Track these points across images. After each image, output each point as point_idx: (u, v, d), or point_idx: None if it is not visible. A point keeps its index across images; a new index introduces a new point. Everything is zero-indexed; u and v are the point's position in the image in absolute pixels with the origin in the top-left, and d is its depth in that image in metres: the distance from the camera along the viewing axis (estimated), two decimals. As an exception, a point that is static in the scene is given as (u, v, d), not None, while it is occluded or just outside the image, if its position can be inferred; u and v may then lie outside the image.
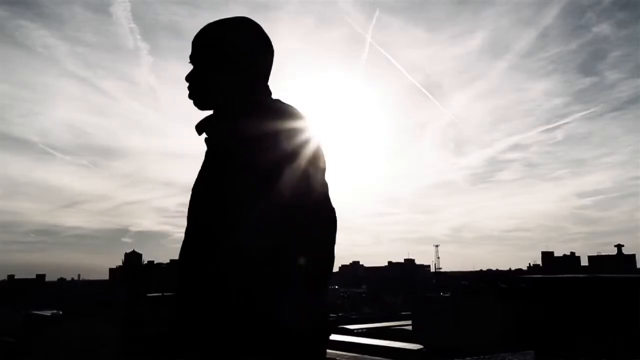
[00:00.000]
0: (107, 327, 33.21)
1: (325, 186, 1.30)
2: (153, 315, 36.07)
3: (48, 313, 43.64)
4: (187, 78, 1.43)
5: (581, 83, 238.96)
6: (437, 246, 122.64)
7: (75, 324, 35.45)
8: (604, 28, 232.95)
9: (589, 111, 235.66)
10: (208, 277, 1.25)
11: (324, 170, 1.32)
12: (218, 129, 1.39)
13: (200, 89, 1.42)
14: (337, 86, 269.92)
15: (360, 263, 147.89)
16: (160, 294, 45.41)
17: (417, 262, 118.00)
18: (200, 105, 1.43)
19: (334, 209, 1.30)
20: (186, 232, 1.39)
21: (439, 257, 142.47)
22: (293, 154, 1.26)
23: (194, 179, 1.42)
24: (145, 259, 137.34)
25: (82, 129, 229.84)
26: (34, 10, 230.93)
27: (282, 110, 1.33)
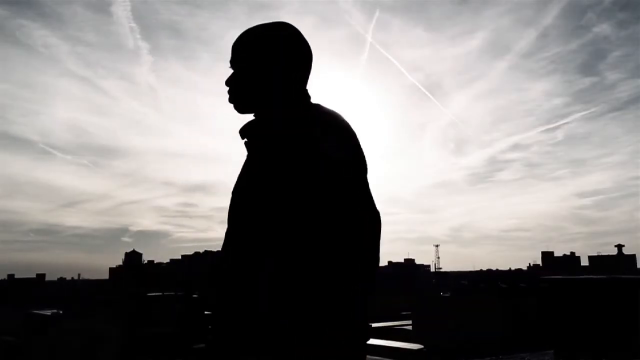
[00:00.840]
0: (107, 327, 33.20)
1: (368, 190, 1.30)
2: (154, 315, 36.07)
3: (48, 312, 43.62)
4: (227, 82, 1.44)
5: (581, 83, 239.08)
6: (437, 246, 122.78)
7: (75, 324, 35.45)
8: (604, 28, 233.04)
9: (589, 111, 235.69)
10: (251, 280, 1.25)
11: (366, 173, 1.32)
12: (259, 133, 1.40)
13: (240, 93, 1.43)
14: (337, 86, 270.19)
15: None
16: (160, 294, 45.43)
17: (417, 262, 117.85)
18: (240, 109, 1.45)
19: (378, 212, 1.30)
20: (226, 235, 1.40)
21: (439, 257, 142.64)
22: (336, 159, 1.26)
23: (234, 183, 1.44)
24: (145, 259, 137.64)
25: (82, 128, 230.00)
26: (35, 10, 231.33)
27: (324, 114, 1.33)
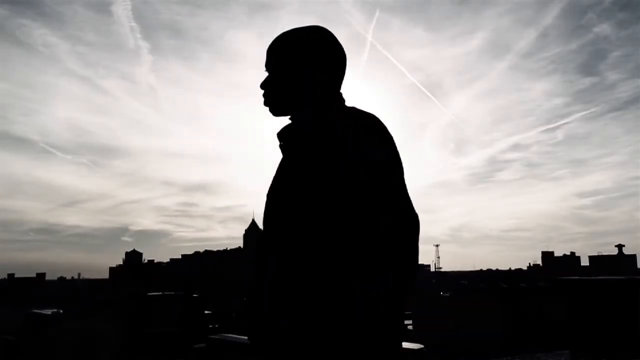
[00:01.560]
0: (107, 327, 33.21)
1: (406, 192, 1.30)
2: (154, 315, 36.07)
3: (48, 312, 43.58)
4: (262, 85, 1.45)
5: (581, 83, 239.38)
6: (437, 246, 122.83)
7: (75, 323, 35.45)
8: (604, 28, 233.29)
9: (589, 111, 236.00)
10: (287, 281, 1.27)
11: (403, 175, 1.32)
12: (294, 137, 1.41)
13: (276, 96, 1.43)
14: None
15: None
16: (161, 293, 45.38)
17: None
18: (275, 112, 1.46)
19: (416, 214, 1.30)
20: (261, 238, 1.42)
21: (439, 257, 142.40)
22: (374, 160, 1.26)
23: (269, 185, 1.45)
24: (146, 258, 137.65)
25: (82, 128, 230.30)
26: (35, 9, 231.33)
27: (361, 117, 1.33)
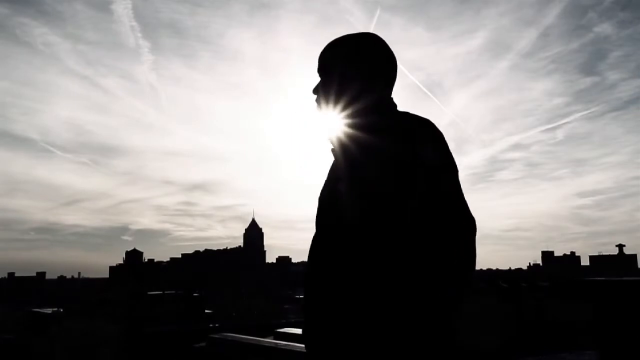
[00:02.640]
0: (107, 325, 33.21)
1: (462, 195, 1.32)
2: (154, 314, 36.10)
3: (49, 311, 43.64)
4: (315, 90, 1.49)
5: (582, 83, 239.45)
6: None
7: (76, 322, 35.46)
8: (605, 28, 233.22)
9: (589, 111, 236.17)
10: (344, 283, 1.29)
11: (458, 178, 1.33)
12: (348, 141, 1.43)
13: (328, 101, 1.47)
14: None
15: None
16: (161, 292, 45.42)
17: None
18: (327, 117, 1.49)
19: (474, 218, 1.31)
20: (314, 241, 1.45)
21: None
22: (432, 164, 1.28)
23: (321, 189, 1.48)
24: (146, 258, 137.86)
25: (82, 127, 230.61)
26: (35, 8, 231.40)
27: (417, 121, 1.35)
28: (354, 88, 1.43)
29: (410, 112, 1.40)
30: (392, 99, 1.47)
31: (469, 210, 1.30)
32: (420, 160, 1.27)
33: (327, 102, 1.46)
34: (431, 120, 1.35)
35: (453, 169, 1.31)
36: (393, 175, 1.27)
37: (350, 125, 1.43)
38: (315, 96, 1.50)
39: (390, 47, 1.49)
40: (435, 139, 1.32)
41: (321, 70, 1.49)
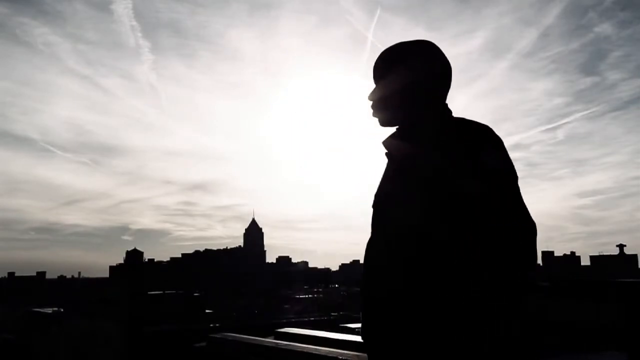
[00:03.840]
0: (108, 325, 33.19)
1: (522, 199, 1.33)
2: (155, 313, 36.08)
3: (49, 310, 43.61)
4: (371, 97, 1.52)
5: (582, 83, 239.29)
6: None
7: (76, 322, 35.45)
8: (605, 28, 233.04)
9: (589, 111, 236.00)
10: (405, 286, 1.30)
11: (517, 183, 1.34)
12: (403, 146, 1.46)
13: (384, 108, 1.50)
14: (338, 85, 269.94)
15: (361, 262, 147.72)
16: (161, 292, 45.39)
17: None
18: (384, 123, 1.52)
19: (534, 223, 1.31)
20: (370, 244, 1.48)
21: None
22: (495, 169, 1.30)
23: (375, 192, 1.50)
24: (146, 257, 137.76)
25: (82, 126, 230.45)
26: (36, 8, 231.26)
27: (473, 126, 1.37)
28: (410, 94, 1.45)
29: (466, 117, 1.42)
30: (446, 104, 1.48)
31: (529, 214, 1.32)
32: (483, 165, 1.28)
33: (382, 108, 1.50)
34: (486, 125, 1.37)
35: (513, 174, 1.33)
36: (454, 179, 1.29)
37: (404, 131, 1.47)
38: (371, 102, 1.52)
39: (448, 55, 1.51)
40: (496, 145, 1.34)
41: (376, 77, 1.52)
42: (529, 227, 1.29)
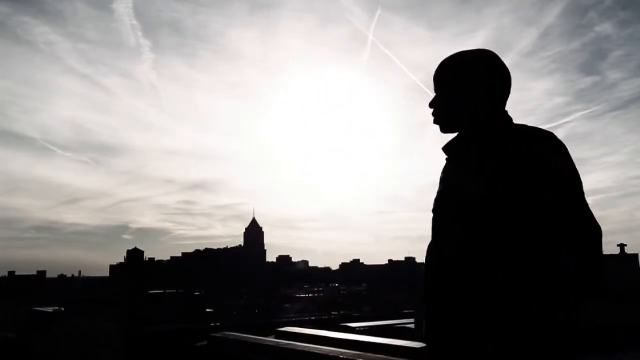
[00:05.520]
0: (108, 324, 33.22)
1: (587, 205, 1.35)
2: (155, 313, 36.11)
3: (50, 309, 43.65)
4: (432, 104, 1.57)
5: (582, 82, 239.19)
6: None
7: (76, 321, 35.47)
8: (605, 27, 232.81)
9: (590, 110, 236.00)
10: (468, 289, 1.33)
11: (582, 189, 1.36)
12: (463, 151, 1.50)
13: (445, 114, 1.54)
14: (338, 84, 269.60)
15: (361, 261, 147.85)
16: (161, 291, 45.40)
17: (418, 260, 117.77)
18: (444, 129, 1.57)
19: (599, 226, 1.34)
20: (430, 249, 1.52)
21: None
22: (565, 175, 1.33)
23: (434, 198, 1.55)
24: (146, 256, 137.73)
25: (82, 125, 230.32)
26: (36, 7, 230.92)
27: (536, 133, 1.39)
28: (471, 102, 1.49)
29: (527, 124, 1.44)
30: (506, 111, 1.51)
31: (595, 219, 1.34)
32: (550, 171, 1.31)
33: (443, 115, 1.54)
34: (547, 130, 1.40)
35: (578, 180, 1.35)
36: (517, 185, 1.31)
37: (466, 137, 1.50)
38: (432, 109, 1.56)
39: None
40: (561, 151, 1.37)
41: (437, 85, 1.56)
42: (594, 230, 1.31)
